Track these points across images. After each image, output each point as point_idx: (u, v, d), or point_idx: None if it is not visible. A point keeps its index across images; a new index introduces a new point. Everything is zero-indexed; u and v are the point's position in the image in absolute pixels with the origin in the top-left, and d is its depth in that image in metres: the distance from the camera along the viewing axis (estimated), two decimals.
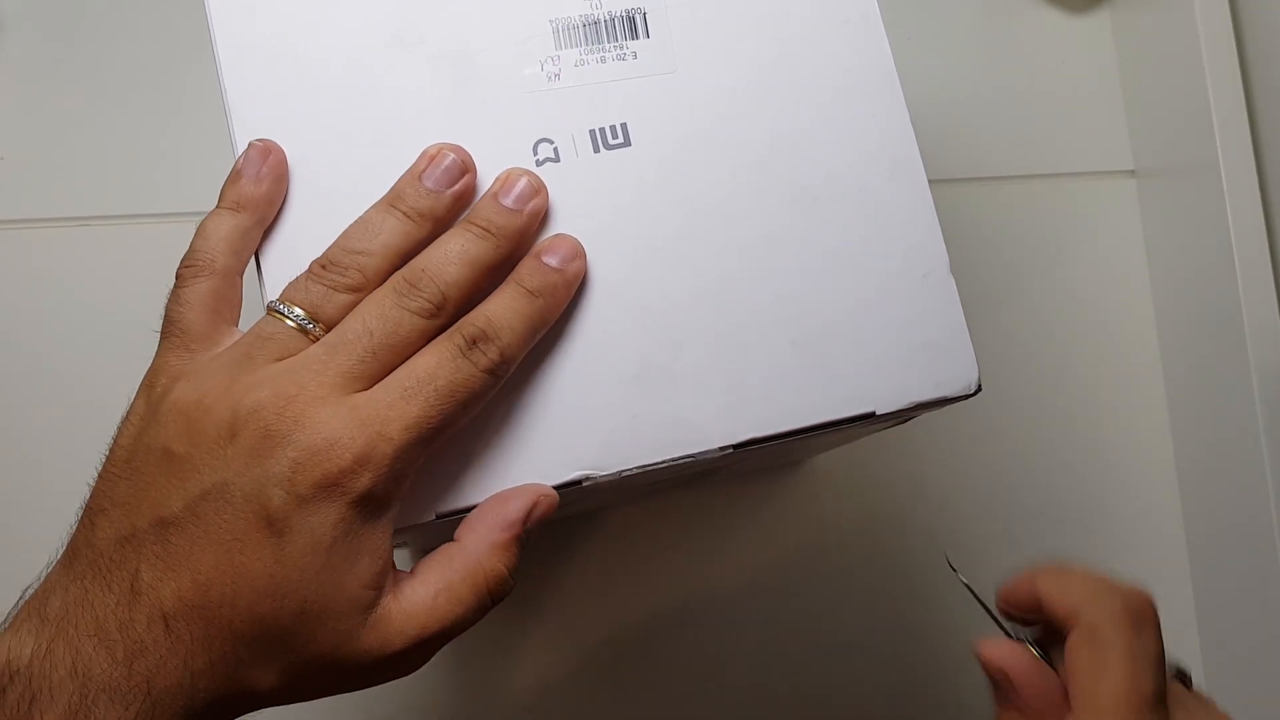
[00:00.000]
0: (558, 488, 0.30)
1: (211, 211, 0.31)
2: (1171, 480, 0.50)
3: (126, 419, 0.29)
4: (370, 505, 0.27)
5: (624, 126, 0.33)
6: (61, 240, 0.49)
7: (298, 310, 0.29)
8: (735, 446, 0.31)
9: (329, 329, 0.29)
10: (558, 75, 0.33)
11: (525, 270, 0.30)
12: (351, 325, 0.29)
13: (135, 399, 0.29)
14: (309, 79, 0.32)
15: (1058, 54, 0.54)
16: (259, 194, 0.31)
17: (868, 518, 0.49)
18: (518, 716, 0.46)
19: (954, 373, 0.32)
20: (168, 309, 0.31)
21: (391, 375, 0.28)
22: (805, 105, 0.33)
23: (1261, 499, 0.44)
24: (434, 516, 0.30)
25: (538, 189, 0.31)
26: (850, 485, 0.49)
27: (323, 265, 0.30)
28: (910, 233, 0.33)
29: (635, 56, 0.33)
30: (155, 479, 0.27)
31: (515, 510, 0.30)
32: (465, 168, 0.31)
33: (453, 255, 0.30)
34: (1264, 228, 0.45)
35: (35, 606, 0.27)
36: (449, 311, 0.29)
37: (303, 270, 0.30)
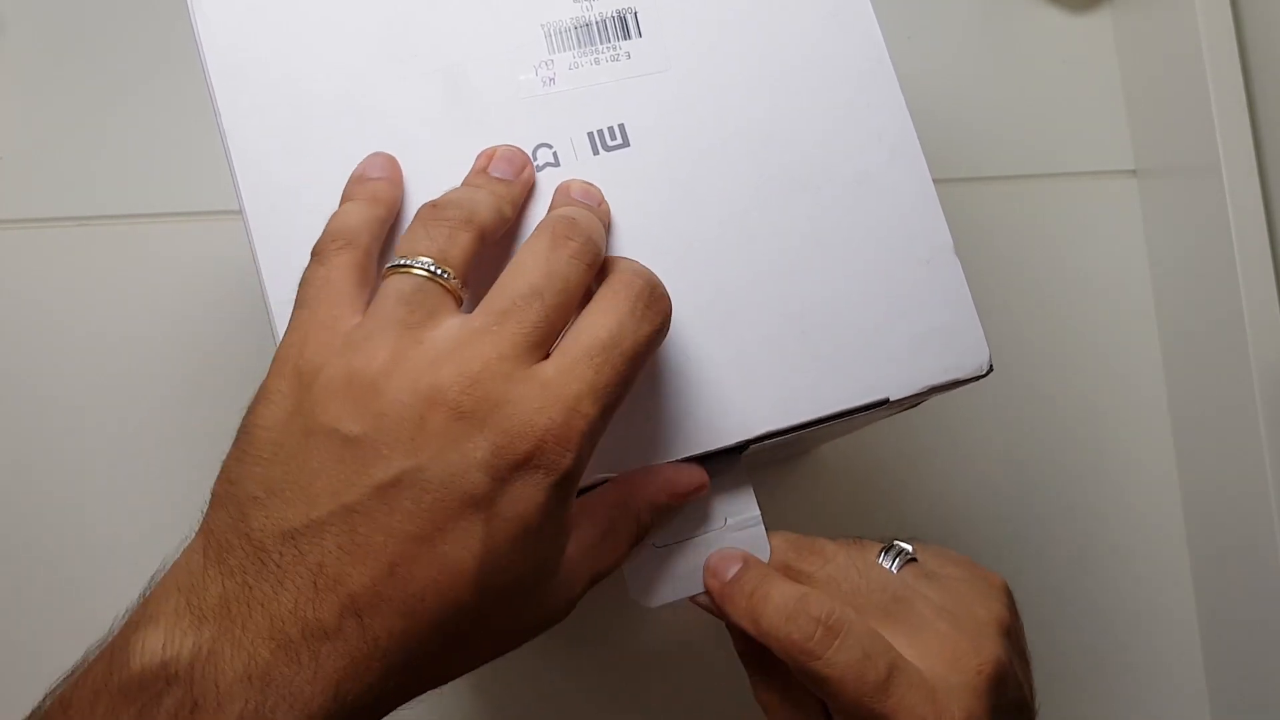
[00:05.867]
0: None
1: (342, 205, 0.30)
2: (1173, 480, 0.50)
3: (265, 397, 0.26)
4: (570, 481, 0.26)
5: (621, 127, 0.32)
6: (61, 240, 0.48)
7: (423, 258, 0.27)
8: (750, 441, 0.31)
9: (460, 275, 0.28)
10: (552, 80, 0.33)
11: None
12: (517, 286, 0.27)
13: (271, 376, 0.27)
14: (301, 99, 0.32)
15: (1058, 54, 0.54)
16: (390, 194, 0.30)
17: (874, 507, 0.49)
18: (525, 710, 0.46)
19: (964, 354, 0.32)
20: (307, 278, 0.28)
21: (571, 338, 0.27)
22: (800, 96, 0.33)
23: (1262, 498, 0.44)
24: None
25: (600, 194, 0.32)
26: (857, 473, 0.49)
27: (434, 206, 0.29)
28: (912, 217, 0.33)
29: (629, 56, 0.33)
30: (325, 464, 0.25)
31: (685, 484, 0.30)
32: (524, 158, 0.31)
33: (581, 210, 0.29)
34: (1265, 228, 0.45)
35: (186, 601, 0.24)
36: (599, 264, 0.28)
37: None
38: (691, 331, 0.31)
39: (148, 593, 0.25)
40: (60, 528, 0.45)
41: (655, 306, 0.28)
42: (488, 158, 0.31)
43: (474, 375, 0.25)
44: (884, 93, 0.33)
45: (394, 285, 0.27)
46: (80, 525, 0.45)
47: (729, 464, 0.32)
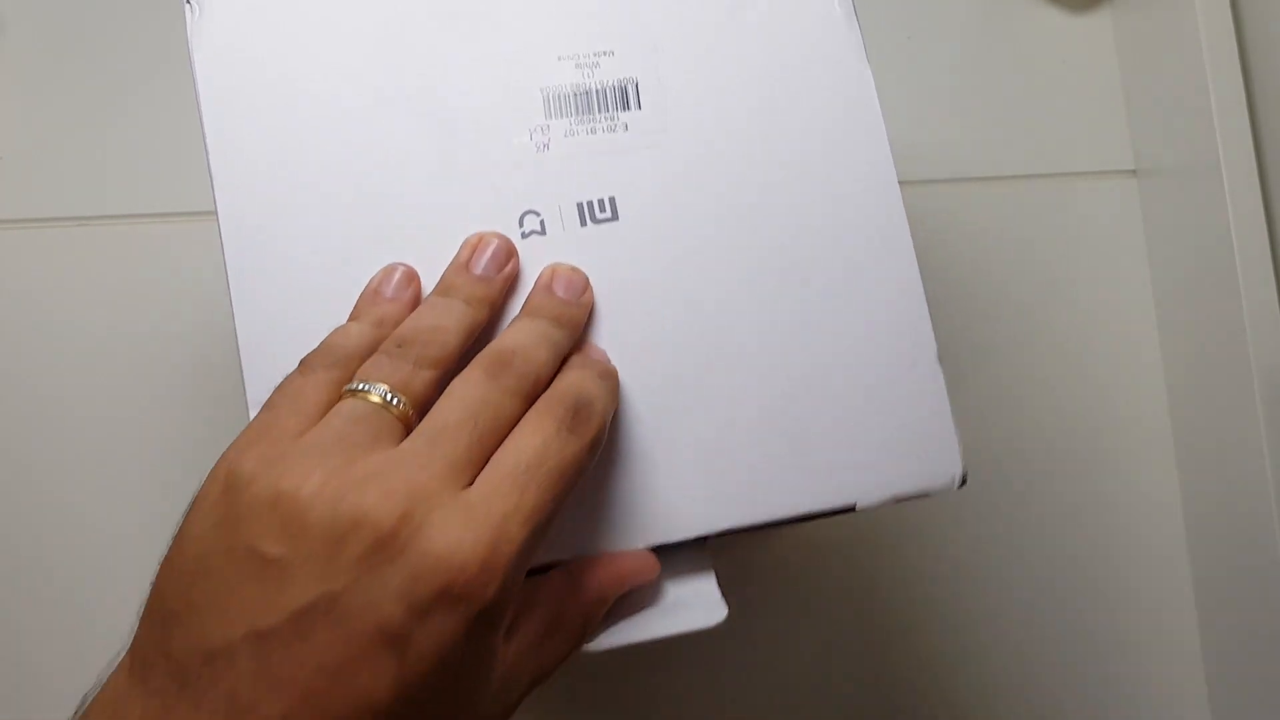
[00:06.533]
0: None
1: (349, 321, 0.30)
2: (1173, 479, 0.50)
3: (198, 505, 0.26)
4: (494, 612, 0.24)
5: (612, 200, 0.32)
6: (61, 240, 0.49)
7: (380, 386, 0.27)
8: (710, 537, 0.30)
9: (416, 407, 0.27)
10: (547, 145, 0.32)
11: (584, 356, 0.30)
12: (450, 411, 0.26)
13: (210, 481, 0.26)
14: (291, 135, 0.31)
15: (1058, 54, 0.54)
16: (396, 316, 0.30)
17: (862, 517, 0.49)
18: None
19: (938, 466, 0.31)
20: (284, 385, 0.28)
21: (496, 462, 0.26)
22: (797, 183, 0.32)
23: (1263, 498, 0.44)
24: None
25: (586, 284, 0.31)
26: None
27: (399, 344, 0.28)
28: (900, 318, 0.32)
29: (626, 128, 0.32)
30: (243, 584, 0.24)
31: (636, 575, 0.29)
32: (509, 252, 0.31)
33: (537, 338, 0.29)
34: (1265, 228, 0.45)
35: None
36: (539, 392, 0.28)
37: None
38: (662, 415, 0.31)
39: (81, 711, 0.25)
40: (60, 528, 0.45)
41: (585, 424, 0.27)
42: (471, 249, 0.31)
43: (397, 499, 0.24)
44: (883, 188, 0.33)
45: (346, 407, 0.27)
46: (80, 525, 0.45)
47: (692, 547, 0.31)
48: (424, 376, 0.28)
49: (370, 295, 0.30)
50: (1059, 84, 0.53)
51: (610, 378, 0.30)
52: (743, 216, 0.32)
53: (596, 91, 0.32)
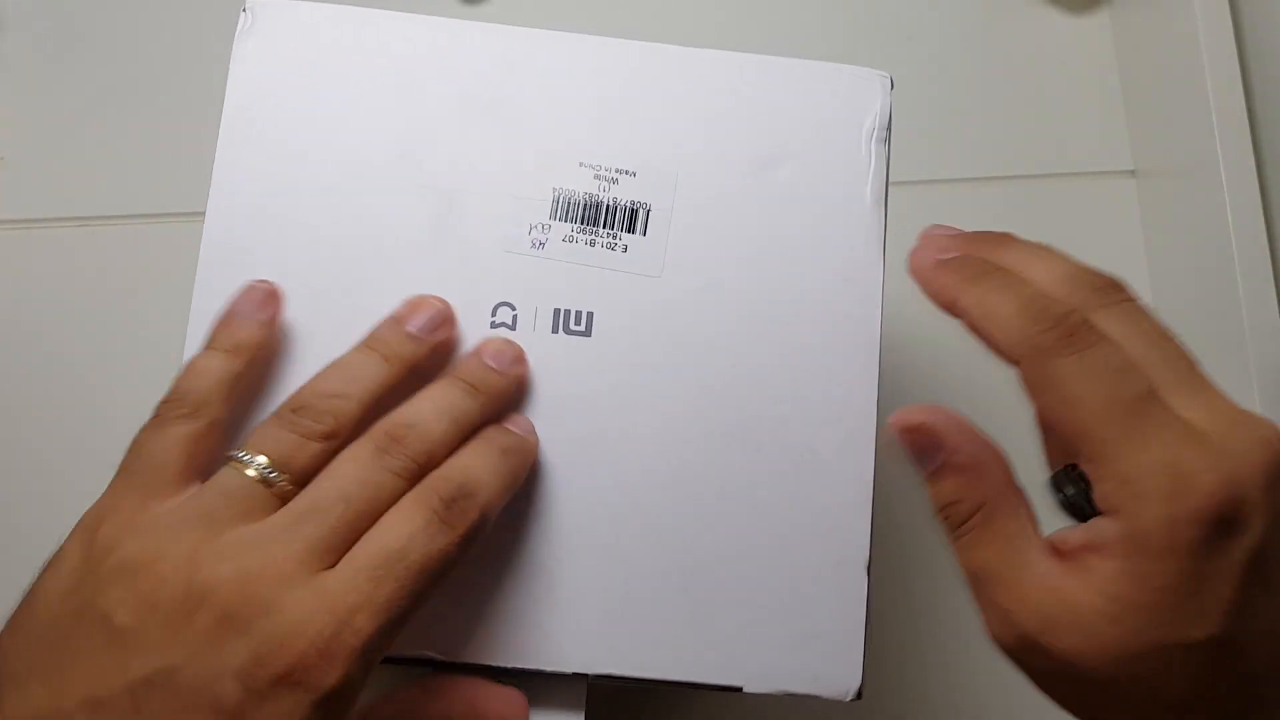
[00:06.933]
0: (394, 660, 0.29)
1: (203, 351, 0.29)
2: None
3: (54, 565, 0.26)
4: (336, 701, 0.24)
5: (590, 315, 0.31)
6: (61, 240, 0.49)
7: (260, 459, 0.26)
8: (592, 676, 0.30)
9: (296, 481, 0.26)
10: (543, 244, 0.32)
11: (495, 429, 0.29)
12: (325, 491, 0.26)
13: (68, 542, 0.26)
14: (295, 164, 0.31)
15: (1058, 54, 0.54)
16: (257, 339, 0.29)
17: None
18: None
19: (837, 672, 0.30)
20: (138, 442, 0.28)
21: (360, 548, 0.25)
22: (779, 354, 0.32)
23: None
24: None
25: (519, 357, 0.30)
26: None
27: (294, 410, 0.27)
28: (842, 513, 0.31)
29: (625, 250, 0.32)
30: (88, 650, 0.24)
31: (494, 713, 0.28)
32: (447, 319, 0.30)
33: (442, 409, 0.27)
34: (1264, 228, 0.45)
35: None
36: (430, 469, 0.27)
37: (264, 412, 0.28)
38: (579, 540, 0.30)
39: None
40: (60, 528, 0.45)
41: (460, 517, 0.26)
42: (410, 307, 0.30)
43: (253, 575, 0.24)
44: (861, 380, 0.32)
45: (223, 479, 0.26)
46: None
47: (572, 683, 0.30)
48: (311, 449, 0.27)
49: (224, 320, 0.29)
50: (1058, 84, 0.53)
51: (516, 454, 0.29)
52: (714, 372, 0.31)
53: (608, 206, 0.32)
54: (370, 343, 0.29)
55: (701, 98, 0.33)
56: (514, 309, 0.31)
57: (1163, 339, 0.26)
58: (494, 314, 0.31)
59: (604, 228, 0.32)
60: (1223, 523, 0.23)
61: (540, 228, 0.32)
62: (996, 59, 0.53)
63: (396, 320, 0.30)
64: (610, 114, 0.32)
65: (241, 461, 0.26)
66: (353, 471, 0.26)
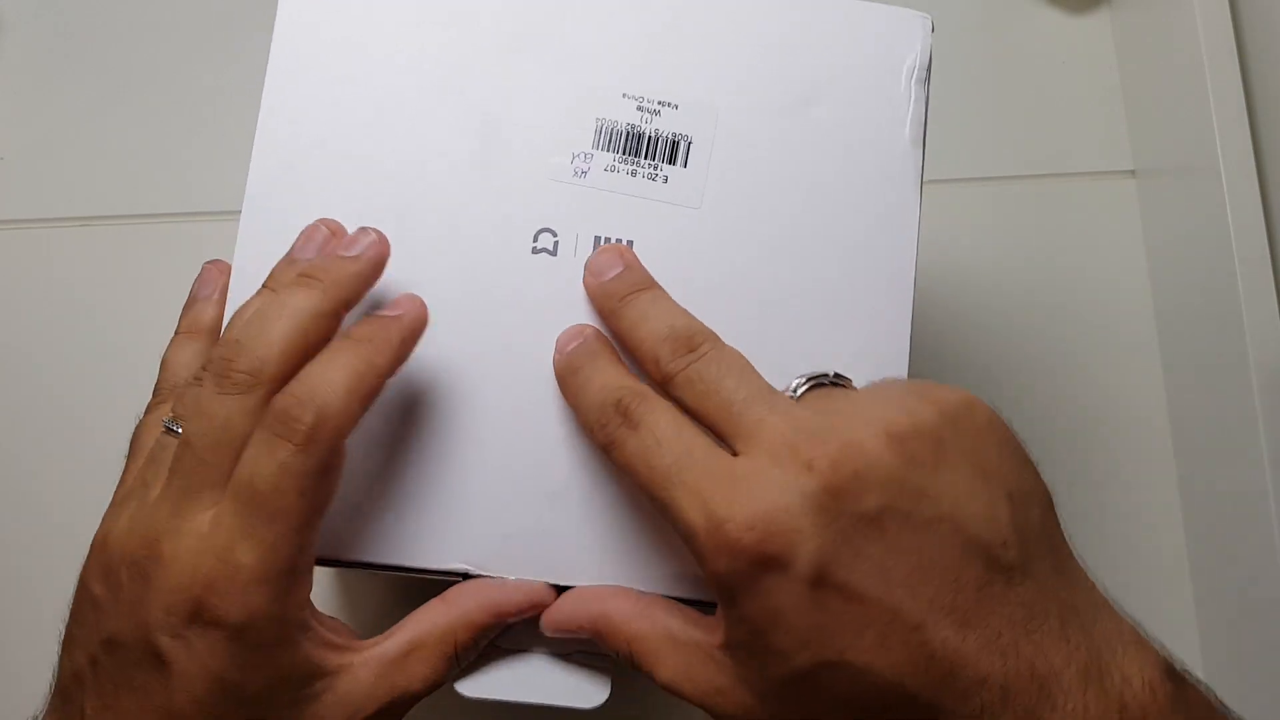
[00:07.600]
0: (431, 571, 0.30)
1: (172, 340, 0.32)
2: (1172, 479, 0.50)
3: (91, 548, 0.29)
4: (251, 630, 0.25)
5: (629, 244, 0.32)
6: (61, 240, 0.49)
7: (167, 417, 0.28)
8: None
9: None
10: (585, 173, 0.32)
11: (351, 323, 0.28)
12: (184, 435, 0.27)
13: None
14: (341, 105, 0.32)
15: (1058, 54, 0.54)
16: (213, 316, 0.31)
17: None
18: None
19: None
20: (137, 430, 0.31)
21: (230, 482, 0.26)
22: (813, 290, 0.32)
23: (1262, 499, 0.44)
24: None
25: (377, 240, 0.29)
26: None
27: (222, 357, 0.27)
28: None
29: (666, 181, 0.32)
30: (85, 617, 0.27)
31: (515, 605, 0.29)
32: (344, 237, 0.30)
33: (271, 313, 0.27)
34: (1264, 228, 0.45)
35: None
36: (273, 380, 0.26)
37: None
38: (596, 462, 0.30)
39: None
40: (60, 528, 0.45)
41: (300, 433, 0.25)
42: (304, 238, 0.30)
43: (146, 533, 0.26)
44: (895, 316, 0.32)
45: (155, 446, 0.29)
46: (80, 526, 0.45)
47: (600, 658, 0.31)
48: (229, 403, 0.27)
49: (189, 303, 0.32)
50: (1058, 84, 0.53)
51: (368, 342, 0.27)
52: (748, 304, 0.32)
53: (650, 137, 0.32)
54: (269, 283, 0.30)
55: (744, 34, 0.33)
56: (555, 235, 0.32)
57: (718, 387, 0.27)
58: (535, 240, 0.32)
59: (645, 158, 0.32)
60: (764, 561, 0.23)
61: (583, 157, 0.32)
62: (997, 59, 0.53)
63: (285, 259, 0.30)
64: (654, 47, 0.33)
65: (165, 425, 0.28)
66: (190, 409, 0.27)
